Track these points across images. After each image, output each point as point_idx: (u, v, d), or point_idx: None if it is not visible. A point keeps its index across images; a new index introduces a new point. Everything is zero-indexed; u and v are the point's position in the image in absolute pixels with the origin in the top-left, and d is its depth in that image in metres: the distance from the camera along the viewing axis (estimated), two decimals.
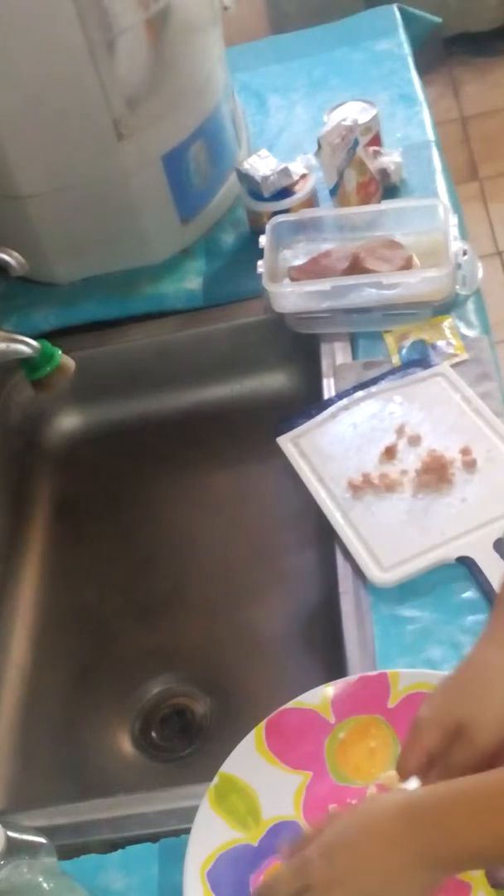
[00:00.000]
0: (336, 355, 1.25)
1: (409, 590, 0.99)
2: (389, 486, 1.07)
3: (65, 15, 1.14)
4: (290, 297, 1.26)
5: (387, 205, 1.35)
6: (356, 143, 1.33)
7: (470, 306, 1.25)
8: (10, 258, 1.06)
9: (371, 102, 1.42)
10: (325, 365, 1.25)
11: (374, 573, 1.00)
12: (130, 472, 1.38)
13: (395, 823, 0.68)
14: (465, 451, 1.08)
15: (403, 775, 0.78)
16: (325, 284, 1.23)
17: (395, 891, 0.68)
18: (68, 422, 1.44)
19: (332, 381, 1.22)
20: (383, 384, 1.18)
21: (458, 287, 1.24)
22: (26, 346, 1.04)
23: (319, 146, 1.31)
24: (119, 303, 1.39)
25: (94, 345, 1.38)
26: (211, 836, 0.83)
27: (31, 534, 1.34)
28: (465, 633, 0.94)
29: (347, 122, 1.33)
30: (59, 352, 1.06)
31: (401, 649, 0.95)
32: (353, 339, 1.26)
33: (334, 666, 0.98)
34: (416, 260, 1.26)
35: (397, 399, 1.16)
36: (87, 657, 1.21)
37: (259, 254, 1.28)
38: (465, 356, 1.18)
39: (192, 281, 1.39)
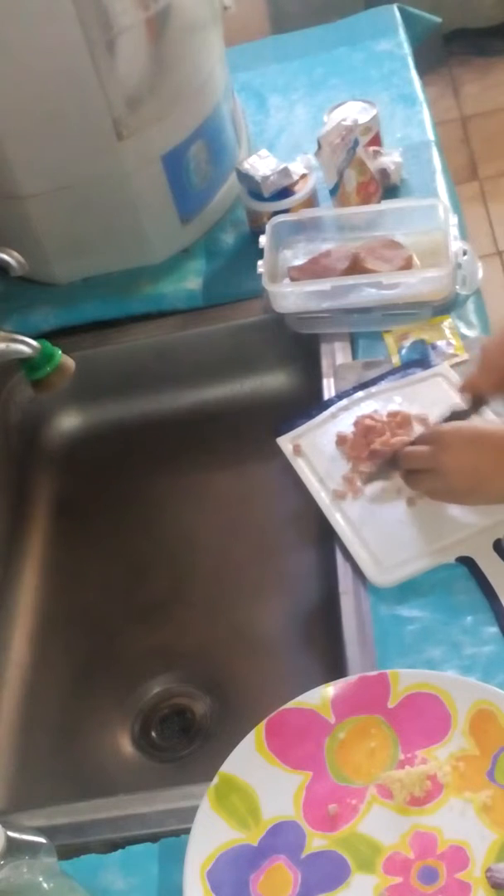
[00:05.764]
0: (336, 355, 1.25)
1: (409, 590, 0.99)
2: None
3: (65, 15, 1.14)
4: (290, 297, 1.26)
5: (387, 205, 1.35)
6: (356, 143, 1.33)
7: (470, 306, 1.25)
8: (10, 258, 1.06)
9: (371, 102, 1.42)
10: (325, 365, 1.24)
11: (374, 573, 1.00)
12: (130, 472, 1.38)
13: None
14: None
15: (469, 392, 1.08)
16: (325, 284, 1.23)
17: (494, 484, 0.98)
18: (68, 422, 1.44)
19: (332, 381, 1.22)
20: (383, 384, 1.18)
21: (458, 287, 1.24)
22: (26, 346, 1.04)
23: (319, 146, 1.31)
24: (119, 303, 1.39)
25: (94, 345, 1.38)
26: (211, 836, 0.83)
27: (31, 534, 1.34)
28: (465, 633, 0.95)
29: (347, 122, 1.33)
30: (59, 352, 1.06)
31: (401, 649, 0.95)
32: (353, 339, 1.26)
33: (334, 666, 0.98)
34: (416, 260, 1.26)
35: (397, 399, 1.16)
36: (87, 657, 1.21)
37: (259, 254, 1.28)
38: (465, 356, 1.18)
39: (192, 281, 1.39)
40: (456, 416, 1.08)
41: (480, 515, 1.02)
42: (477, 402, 1.08)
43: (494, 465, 0.98)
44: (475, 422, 1.08)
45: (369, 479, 1.09)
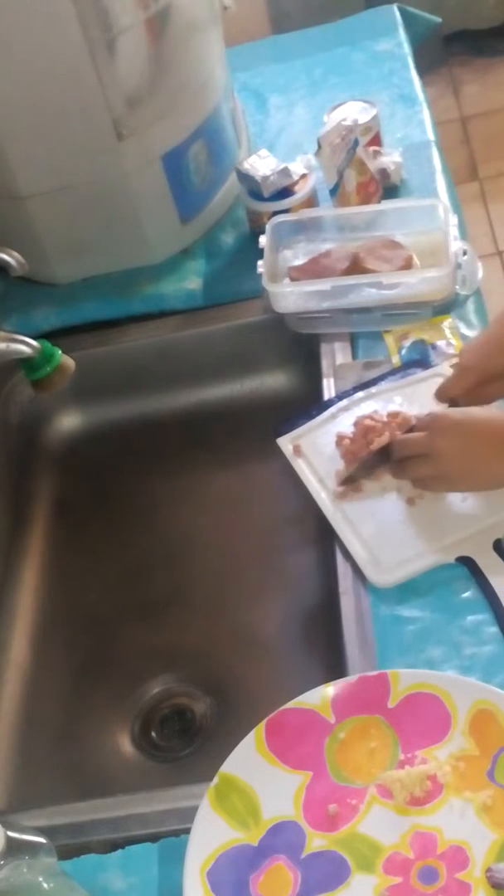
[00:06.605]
0: (336, 355, 1.25)
1: (409, 590, 0.99)
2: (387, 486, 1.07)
3: (65, 15, 1.14)
4: (290, 297, 1.26)
5: (387, 205, 1.35)
6: (356, 143, 1.33)
7: (470, 306, 1.25)
8: (10, 258, 1.06)
9: (371, 102, 1.42)
10: (325, 365, 1.25)
11: (374, 573, 1.00)
12: (130, 472, 1.38)
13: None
14: None
15: (443, 399, 1.07)
16: (325, 284, 1.23)
17: (487, 468, 0.98)
18: (68, 422, 1.44)
19: (332, 381, 1.22)
20: (383, 384, 1.18)
21: (458, 287, 1.24)
22: (26, 346, 1.04)
23: (319, 146, 1.31)
24: (119, 303, 1.39)
25: (94, 345, 1.38)
26: (211, 836, 0.83)
27: (31, 534, 1.34)
28: (465, 633, 0.95)
29: (347, 122, 1.33)
30: (59, 352, 1.06)
31: (401, 649, 0.95)
32: (353, 339, 1.26)
33: (334, 666, 0.98)
34: (416, 260, 1.26)
35: (397, 399, 1.16)
36: (87, 657, 1.21)
37: (259, 254, 1.28)
38: None
39: (192, 281, 1.39)
40: None
41: (480, 515, 1.02)
42: (452, 407, 1.07)
43: (488, 449, 0.98)
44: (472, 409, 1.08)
45: (349, 479, 1.08)
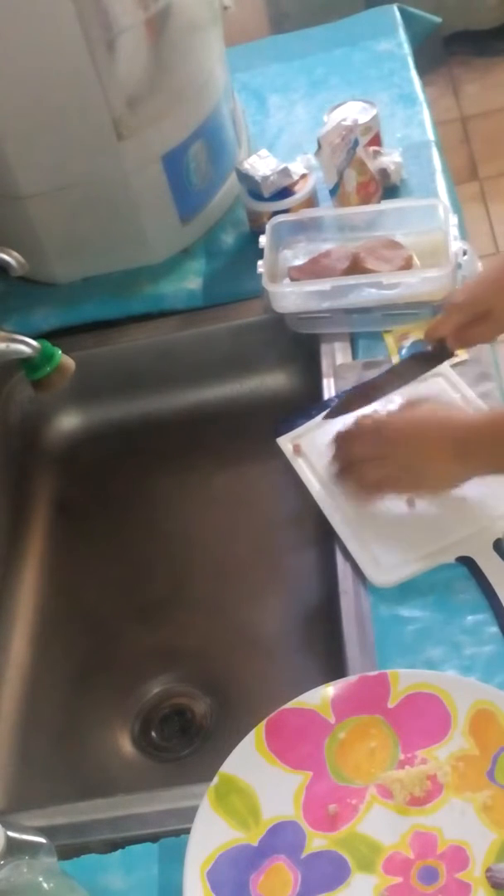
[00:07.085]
0: (336, 355, 1.25)
1: (409, 590, 0.99)
2: None
3: (65, 15, 1.14)
4: (290, 297, 1.26)
5: (387, 205, 1.35)
6: (356, 143, 1.33)
7: None
8: (10, 258, 1.06)
9: (371, 102, 1.42)
10: (325, 365, 1.25)
11: (374, 573, 1.00)
12: (130, 472, 1.38)
13: (445, 442, 0.99)
14: None
15: (431, 338, 1.08)
16: (325, 284, 1.23)
17: (433, 474, 1.00)
18: (68, 422, 1.44)
19: (332, 381, 1.22)
20: None
21: (458, 287, 1.23)
22: (26, 346, 1.04)
23: (319, 146, 1.31)
24: (119, 303, 1.39)
25: (94, 345, 1.38)
26: (211, 836, 0.83)
27: (31, 534, 1.34)
28: (465, 633, 0.95)
29: (347, 122, 1.33)
30: (59, 352, 1.06)
31: (401, 649, 0.95)
32: (353, 339, 1.26)
33: (334, 666, 0.98)
34: (416, 260, 1.26)
35: (397, 399, 1.15)
36: (87, 657, 1.21)
37: (259, 254, 1.28)
38: (464, 356, 1.18)
39: (192, 281, 1.39)
40: (417, 357, 1.11)
41: (480, 515, 1.02)
42: (440, 348, 1.09)
43: (438, 454, 0.99)
44: (423, 408, 1.08)
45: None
